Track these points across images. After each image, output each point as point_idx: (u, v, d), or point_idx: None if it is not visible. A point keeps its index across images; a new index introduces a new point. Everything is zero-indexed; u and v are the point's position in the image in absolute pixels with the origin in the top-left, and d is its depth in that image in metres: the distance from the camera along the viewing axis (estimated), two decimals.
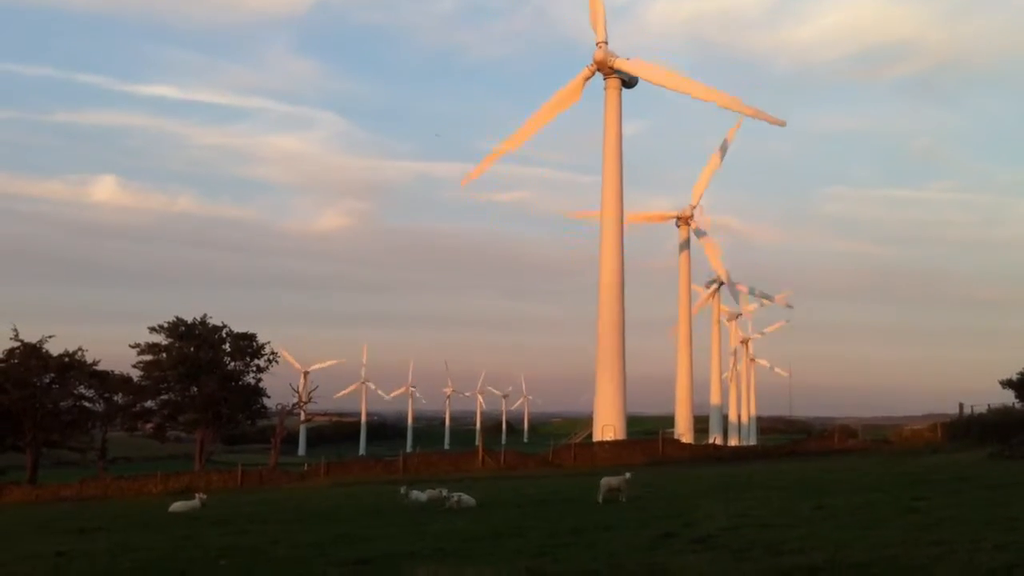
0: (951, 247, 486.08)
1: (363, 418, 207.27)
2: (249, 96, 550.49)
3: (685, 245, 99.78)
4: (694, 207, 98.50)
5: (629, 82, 72.40)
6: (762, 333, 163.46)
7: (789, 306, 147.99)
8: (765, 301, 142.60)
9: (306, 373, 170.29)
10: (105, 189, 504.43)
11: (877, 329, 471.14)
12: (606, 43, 69.54)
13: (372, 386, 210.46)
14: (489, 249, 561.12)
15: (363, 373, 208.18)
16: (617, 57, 69.46)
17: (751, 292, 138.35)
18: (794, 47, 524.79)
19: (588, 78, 70.04)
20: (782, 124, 67.76)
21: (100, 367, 73.19)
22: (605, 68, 69.59)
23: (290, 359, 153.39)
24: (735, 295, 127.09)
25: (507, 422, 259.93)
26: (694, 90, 68.95)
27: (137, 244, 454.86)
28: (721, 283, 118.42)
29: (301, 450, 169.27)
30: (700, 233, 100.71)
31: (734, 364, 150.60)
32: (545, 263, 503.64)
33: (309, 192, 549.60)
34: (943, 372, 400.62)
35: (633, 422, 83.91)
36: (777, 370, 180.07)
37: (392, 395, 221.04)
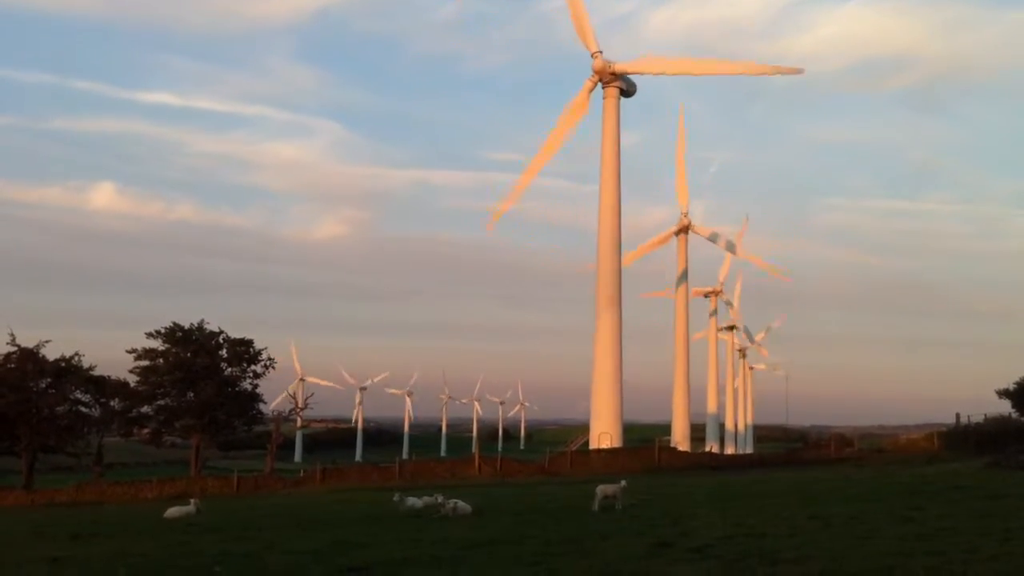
0: (948, 258, 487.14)
1: (359, 424, 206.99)
2: (249, 104, 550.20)
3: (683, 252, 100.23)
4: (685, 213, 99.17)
5: (627, 91, 72.33)
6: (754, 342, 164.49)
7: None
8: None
9: (303, 380, 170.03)
10: (104, 196, 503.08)
11: (874, 339, 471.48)
12: (600, 52, 69.57)
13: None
14: (487, 257, 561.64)
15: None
16: (615, 62, 69.56)
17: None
18: (793, 57, 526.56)
19: (592, 89, 70.19)
20: (800, 72, 67.98)
21: (96, 372, 73.34)
22: (605, 76, 69.54)
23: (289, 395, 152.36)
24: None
25: (504, 429, 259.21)
26: (700, 68, 68.69)
27: (135, 250, 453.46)
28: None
29: (297, 456, 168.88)
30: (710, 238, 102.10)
31: (731, 348, 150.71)
32: (543, 272, 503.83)
33: (308, 200, 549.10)
34: (940, 382, 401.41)
35: (630, 430, 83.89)
36: (776, 372, 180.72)
37: (390, 391, 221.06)
